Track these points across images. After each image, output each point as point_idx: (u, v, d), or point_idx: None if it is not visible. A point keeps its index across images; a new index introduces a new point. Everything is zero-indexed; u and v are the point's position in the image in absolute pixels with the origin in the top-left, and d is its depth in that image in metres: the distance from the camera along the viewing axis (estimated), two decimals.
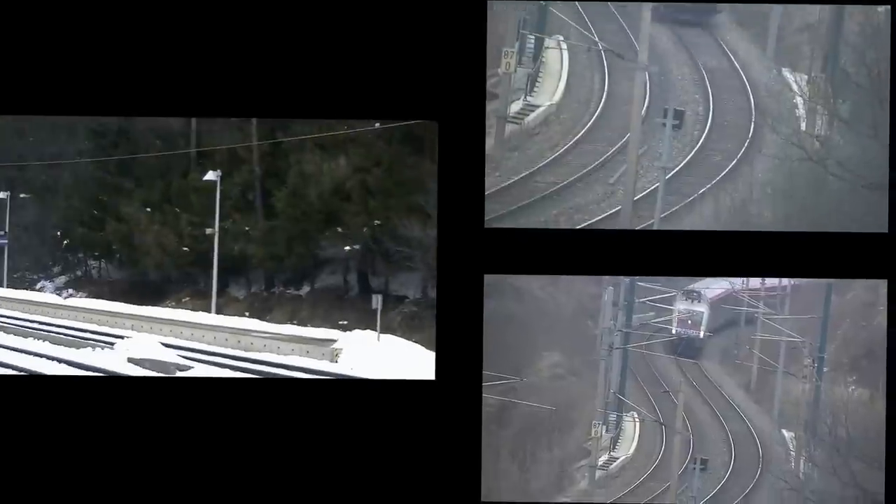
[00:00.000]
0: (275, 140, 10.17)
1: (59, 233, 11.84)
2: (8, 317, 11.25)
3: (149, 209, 11.32)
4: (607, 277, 7.63)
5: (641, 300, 7.81)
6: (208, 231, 10.86)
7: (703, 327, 8.25)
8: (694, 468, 7.49)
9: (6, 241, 11.08)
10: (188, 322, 10.81)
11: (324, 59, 6.54)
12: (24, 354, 9.48)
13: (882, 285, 7.19)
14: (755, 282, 7.97)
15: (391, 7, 6.47)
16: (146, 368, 9.20)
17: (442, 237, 6.56)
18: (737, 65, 7.74)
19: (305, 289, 11.40)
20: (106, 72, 6.52)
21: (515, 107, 7.54)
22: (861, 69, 7.05)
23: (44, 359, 9.37)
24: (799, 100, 7.42)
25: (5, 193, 11.52)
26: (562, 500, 7.37)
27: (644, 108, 7.54)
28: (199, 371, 9.08)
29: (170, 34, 6.43)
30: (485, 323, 7.15)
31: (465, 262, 6.57)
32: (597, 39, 7.51)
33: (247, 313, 11.25)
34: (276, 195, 10.77)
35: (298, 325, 10.74)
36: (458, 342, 6.57)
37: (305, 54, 6.52)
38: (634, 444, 7.80)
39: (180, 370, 9.20)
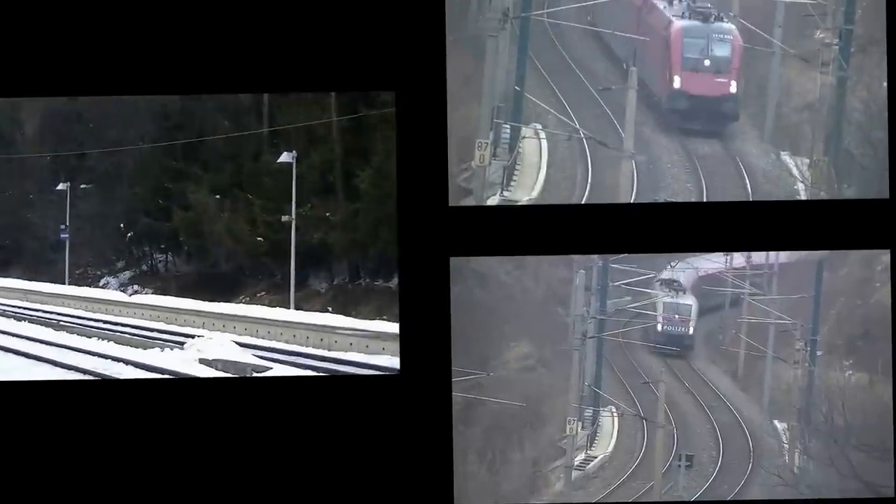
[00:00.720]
0: (356, 115, 9.74)
1: (122, 224, 11.43)
2: (71, 316, 10.90)
3: (218, 195, 10.81)
4: (578, 260, 7.36)
5: (616, 284, 7.55)
6: (284, 218, 10.33)
7: (692, 322, 8.12)
8: (679, 465, 7.25)
9: (67, 236, 10.68)
10: (264, 319, 10.38)
11: (280, 31, 6.33)
12: (87, 355, 9.13)
13: (879, 259, 6.90)
14: (739, 261, 7.74)
15: None
16: (219, 370, 8.79)
17: (403, 218, 6.35)
18: (732, 150, 7.54)
19: (395, 280, 10.83)
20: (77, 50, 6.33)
21: (491, 202, 7.30)
22: (866, 149, 6.78)
23: (108, 360, 9.04)
24: (800, 185, 7.27)
25: (65, 184, 11.10)
26: (540, 501, 7.07)
27: (632, 198, 7.23)
28: (278, 372, 8.68)
29: (120, 8, 6.26)
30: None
31: (430, 244, 6.37)
32: (577, 126, 7.34)
33: (330, 308, 10.78)
34: (360, 175, 10.28)
35: (388, 321, 10.21)
36: (425, 331, 6.39)
37: (260, 26, 6.31)
38: (613, 440, 7.54)
39: (256, 372, 8.76)
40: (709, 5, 6.99)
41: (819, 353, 7.30)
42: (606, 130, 7.24)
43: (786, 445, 7.31)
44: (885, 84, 6.64)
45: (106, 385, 7.15)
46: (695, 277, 7.96)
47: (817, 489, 6.88)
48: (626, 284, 7.57)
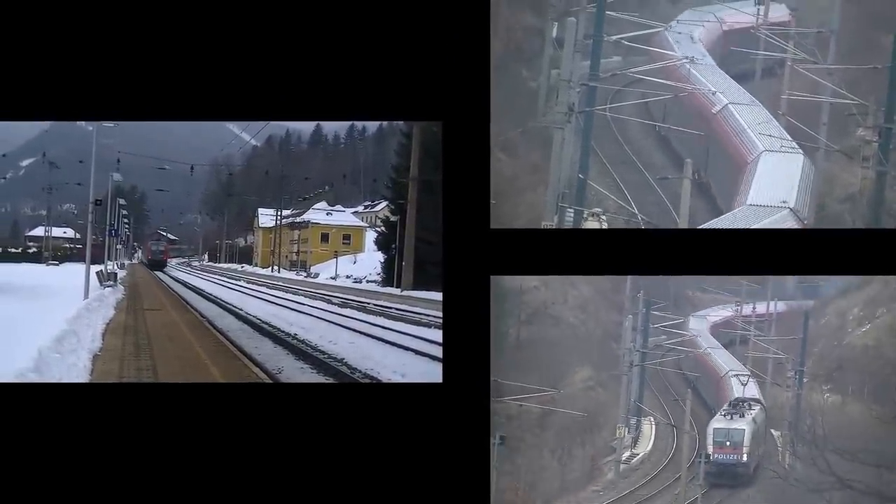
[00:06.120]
0: None
1: None
2: None
3: None
4: (628, 308, 9.08)
5: (656, 326, 9.27)
6: None
7: (746, 448, 8.60)
8: (700, 462, 8.68)
9: None
10: None
11: (332, 62, 6.37)
12: None
13: (850, 311, 8.61)
14: (747, 310, 9.45)
15: (397, 10, 6.39)
16: None
17: (448, 239, 6.27)
18: None
19: None
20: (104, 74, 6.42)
21: None
22: None
23: None
24: None
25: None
26: (565, 498, 8.35)
27: None
28: None
29: (170, 37, 6.37)
30: (528, 345, 8.46)
31: (472, 263, 6.26)
32: (636, 211, 7.82)
33: None
34: None
35: None
36: (466, 345, 6.21)
37: (314, 57, 6.36)
38: (651, 442, 9.30)
39: None
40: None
41: (805, 380, 8.94)
42: (663, 215, 7.73)
43: (779, 448, 9.04)
44: None
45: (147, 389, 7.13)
46: (713, 322, 9.66)
47: (802, 482, 8.07)
48: (663, 327, 9.33)
